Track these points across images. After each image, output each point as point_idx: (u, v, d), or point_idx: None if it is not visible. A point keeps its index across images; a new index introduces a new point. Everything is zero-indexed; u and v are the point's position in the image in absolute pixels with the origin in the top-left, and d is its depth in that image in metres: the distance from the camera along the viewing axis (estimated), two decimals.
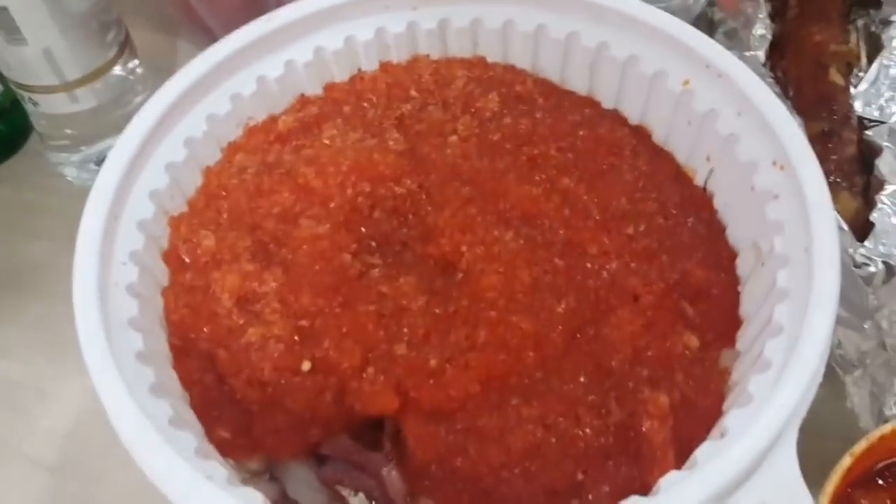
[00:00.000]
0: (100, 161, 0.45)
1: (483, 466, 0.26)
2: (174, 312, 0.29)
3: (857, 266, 0.31)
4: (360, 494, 0.28)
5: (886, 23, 0.43)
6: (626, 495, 0.24)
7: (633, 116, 0.34)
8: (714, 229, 0.31)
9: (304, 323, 0.28)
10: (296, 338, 0.28)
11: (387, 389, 0.27)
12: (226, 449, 0.27)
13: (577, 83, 0.35)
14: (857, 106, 0.40)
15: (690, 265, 0.30)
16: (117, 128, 0.44)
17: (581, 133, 0.33)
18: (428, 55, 0.36)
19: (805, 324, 0.24)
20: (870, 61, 0.43)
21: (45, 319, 0.42)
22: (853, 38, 0.45)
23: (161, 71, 0.52)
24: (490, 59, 0.36)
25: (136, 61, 0.46)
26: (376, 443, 0.28)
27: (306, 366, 0.27)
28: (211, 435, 0.27)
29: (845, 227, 0.33)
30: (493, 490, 0.26)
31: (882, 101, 0.41)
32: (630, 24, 0.32)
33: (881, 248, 0.32)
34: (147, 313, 0.28)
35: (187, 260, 0.30)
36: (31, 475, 0.38)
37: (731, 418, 0.24)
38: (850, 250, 0.32)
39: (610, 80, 0.34)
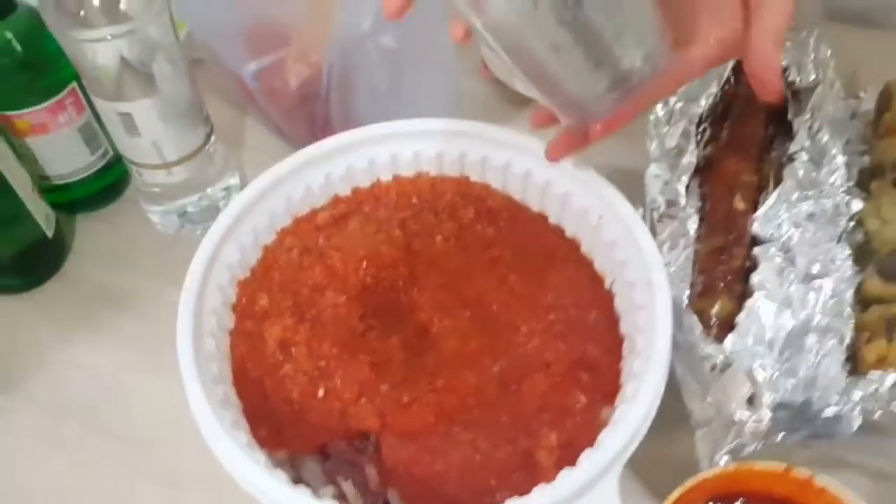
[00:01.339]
0: (181, 214, 0.60)
1: (432, 471, 0.40)
2: (236, 349, 0.43)
3: (706, 357, 0.44)
4: (350, 481, 0.41)
5: (791, 158, 0.56)
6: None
7: (569, 231, 0.47)
8: (610, 321, 0.44)
9: (322, 364, 0.42)
10: (316, 373, 0.42)
11: (372, 415, 0.41)
12: (263, 443, 0.41)
13: (533, 203, 0.48)
14: (756, 226, 0.53)
15: (589, 346, 0.43)
16: (193, 189, 0.59)
17: (529, 241, 0.46)
18: (428, 172, 0.49)
19: (635, 400, 0.37)
20: (775, 188, 0.55)
21: (135, 333, 0.55)
22: (767, 167, 0.58)
23: (233, 142, 0.67)
24: (472, 179, 0.49)
25: (214, 138, 0.60)
26: (363, 448, 0.42)
27: (321, 393, 0.41)
28: (255, 432, 0.41)
29: (698, 329, 0.45)
30: (437, 487, 0.40)
31: (775, 225, 0.52)
32: (568, 171, 0.46)
33: (729, 346, 0.45)
34: (219, 349, 0.42)
35: (248, 312, 0.44)
36: (121, 451, 0.50)
37: (592, 449, 0.38)
38: (702, 345, 0.44)
39: (553, 206, 0.47)
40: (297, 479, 0.42)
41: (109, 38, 0.47)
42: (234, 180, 0.63)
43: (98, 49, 0.48)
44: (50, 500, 0.49)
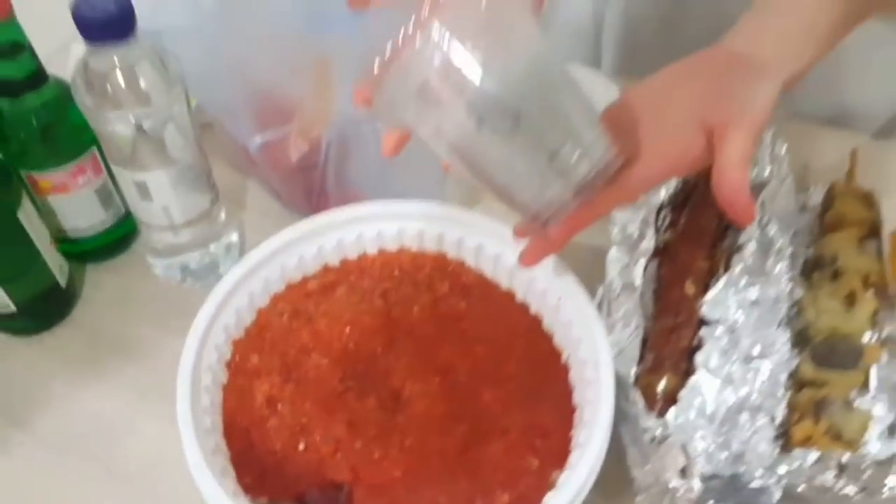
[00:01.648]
0: (183, 268, 0.66)
1: None
2: (228, 402, 0.48)
3: (646, 429, 0.49)
4: None
5: (740, 248, 0.61)
6: None
7: (532, 308, 0.53)
8: (565, 392, 0.49)
9: (303, 420, 0.47)
10: (297, 428, 0.47)
11: (346, 468, 0.45)
12: (247, 489, 0.45)
13: (502, 281, 0.54)
14: (704, 309, 0.58)
15: (544, 414, 0.48)
16: (196, 247, 0.64)
17: (495, 316, 0.52)
18: (410, 248, 0.55)
19: (577, 467, 0.42)
20: (725, 274, 0.61)
21: (136, 378, 0.60)
22: (719, 254, 0.64)
23: (235, 202, 0.72)
24: (449, 256, 0.55)
25: (219, 202, 0.66)
26: (337, 498, 0.47)
27: (301, 446, 0.46)
28: (240, 479, 0.46)
29: (640, 403, 0.50)
30: None
31: (722, 308, 0.58)
32: None
33: (671, 419, 0.50)
34: (213, 403, 0.47)
35: (240, 370, 0.49)
36: (114, 488, 0.55)
37: None
38: (643, 418, 0.50)
39: (520, 285, 0.53)
40: None
41: (132, 118, 0.52)
42: (234, 238, 0.68)
43: (118, 121, 0.54)
44: None
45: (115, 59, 0.51)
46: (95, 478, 0.56)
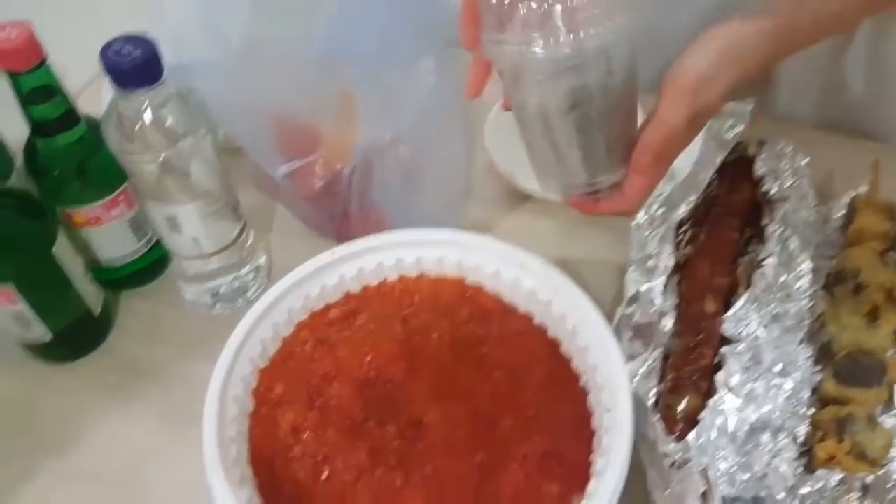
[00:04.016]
0: (213, 294, 0.68)
1: None
2: (254, 431, 0.49)
3: (665, 455, 0.50)
4: None
5: (760, 264, 0.61)
6: None
7: (551, 331, 0.53)
8: (583, 416, 0.50)
9: (326, 448, 0.48)
10: (320, 457, 0.48)
11: (369, 496, 0.47)
12: None
13: (520, 305, 0.55)
14: (725, 326, 0.58)
15: (562, 440, 0.49)
16: (226, 272, 0.66)
17: (514, 341, 0.53)
18: (429, 274, 0.56)
19: (596, 495, 0.43)
20: (746, 290, 0.61)
21: (166, 405, 0.62)
22: (740, 269, 0.63)
23: (262, 225, 0.74)
24: (467, 281, 0.56)
25: (247, 230, 0.67)
26: None
27: (325, 475, 0.47)
28: None
29: (660, 428, 0.50)
30: None
31: (743, 325, 0.58)
32: (550, 281, 0.52)
33: (693, 440, 0.50)
34: (239, 433, 0.48)
35: (265, 398, 0.51)
36: None
37: None
38: (662, 443, 0.50)
39: (538, 309, 0.54)
40: None
41: (160, 156, 0.54)
42: (262, 261, 0.70)
43: (145, 160, 0.56)
44: None
45: (144, 101, 0.53)
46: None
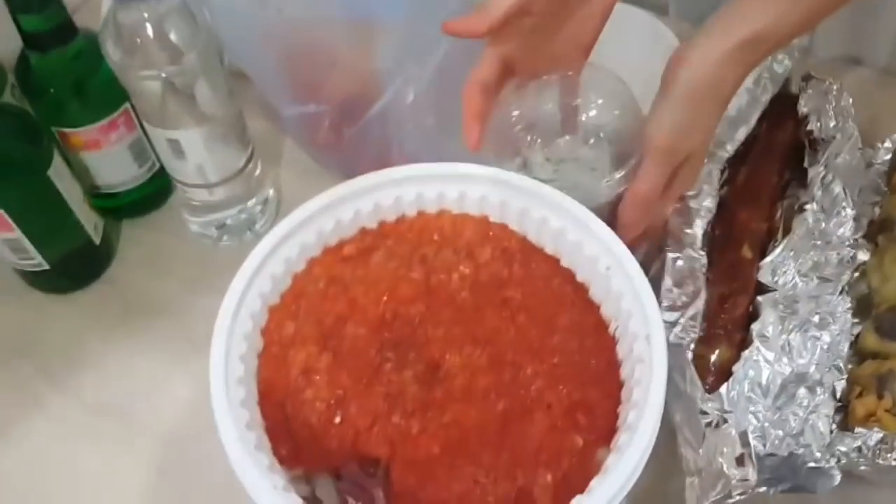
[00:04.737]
0: (219, 226, 0.64)
1: (436, 499, 0.43)
2: (263, 372, 0.47)
3: (703, 413, 0.47)
4: None
5: (801, 209, 0.57)
6: None
7: (579, 275, 0.50)
8: (611, 366, 0.47)
9: (339, 392, 0.45)
10: (333, 401, 0.45)
11: (384, 443, 0.44)
12: (283, 461, 0.44)
13: (547, 246, 0.51)
14: (761, 274, 0.55)
15: (590, 389, 0.46)
16: (233, 204, 0.63)
17: (539, 284, 0.49)
18: (450, 210, 0.52)
19: (627, 451, 0.40)
20: (784, 237, 0.57)
21: (170, 338, 0.60)
22: (779, 214, 0.60)
23: (271, 156, 0.70)
24: (491, 219, 0.52)
25: (255, 159, 0.63)
26: (374, 473, 0.45)
27: (338, 419, 0.45)
28: (275, 450, 0.45)
29: (698, 384, 0.47)
30: None
31: (780, 274, 0.55)
32: (581, 221, 0.49)
33: (724, 395, 0.48)
34: (248, 372, 0.45)
35: (275, 338, 0.48)
36: (147, 445, 0.55)
37: (583, 496, 0.41)
38: (700, 400, 0.47)
39: (566, 251, 0.50)
40: (312, 496, 0.46)
41: (162, 73, 0.50)
42: (270, 194, 0.66)
43: (147, 77, 0.51)
44: (81, 486, 0.54)
45: (144, 12, 0.49)
46: (128, 439, 0.56)
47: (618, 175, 0.50)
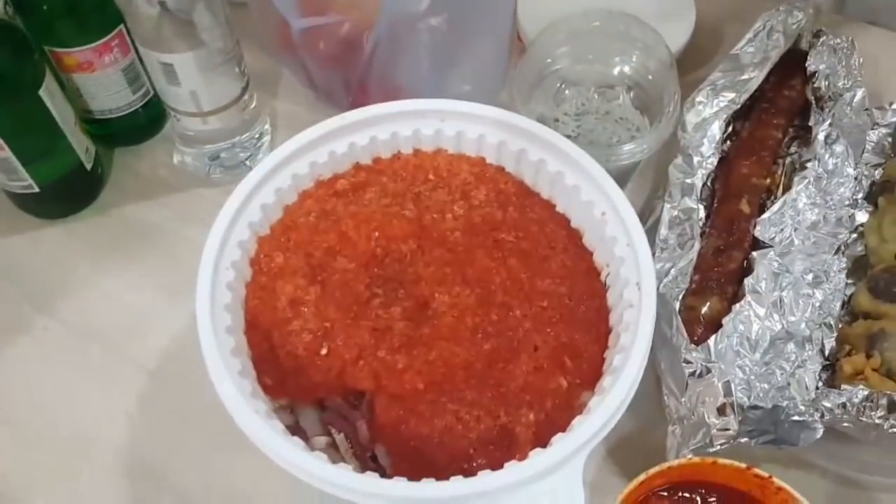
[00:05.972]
0: (212, 157, 0.63)
1: (417, 433, 0.43)
2: (250, 301, 0.46)
3: (686, 362, 0.47)
4: (342, 435, 0.45)
5: (803, 166, 0.57)
6: (495, 468, 0.40)
7: (574, 221, 0.50)
8: (601, 312, 0.47)
9: (327, 324, 0.45)
10: (320, 333, 0.45)
11: (369, 376, 0.44)
12: (267, 390, 0.44)
13: (543, 190, 0.50)
14: (758, 229, 0.54)
15: (577, 334, 0.45)
16: (227, 136, 0.62)
17: (533, 228, 0.49)
18: (447, 150, 0.52)
19: (610, 393, 0.40)
20: (784, 193, 0.56)
21: (159, 267, 0.59)
22: (780, 170, 0.59)
23: (267, 90, 0.69)
24: (488, 160, 0.51)
25: (250, 91, 0.62)
26: (357, 405, 0.45)
27: (324, 351, 0.44)
28: (260, 380, 0.44)
29: (684, 334, 0.47)
30: (420, 448, 0.43)
31: (777, 230, 0.54)
32: (580, 165, 0.48)
33: (712, 347, 0.47)
34: (235, 300, 0.45)
35: (264, 268, 0.47)
36: (133, 373, 0.55)
37: (563, 434, 0.41)
38: (684, 350, 0.47)
39: (562, 196, 0.49)
40: (295, 425, 0.46)
41: None
42: (265, 128, 0.65)
43: None
44: (66, 412, 0.54)
45: None
46: (116, 368, 0.56)
47: (651, 129, 0.48)
